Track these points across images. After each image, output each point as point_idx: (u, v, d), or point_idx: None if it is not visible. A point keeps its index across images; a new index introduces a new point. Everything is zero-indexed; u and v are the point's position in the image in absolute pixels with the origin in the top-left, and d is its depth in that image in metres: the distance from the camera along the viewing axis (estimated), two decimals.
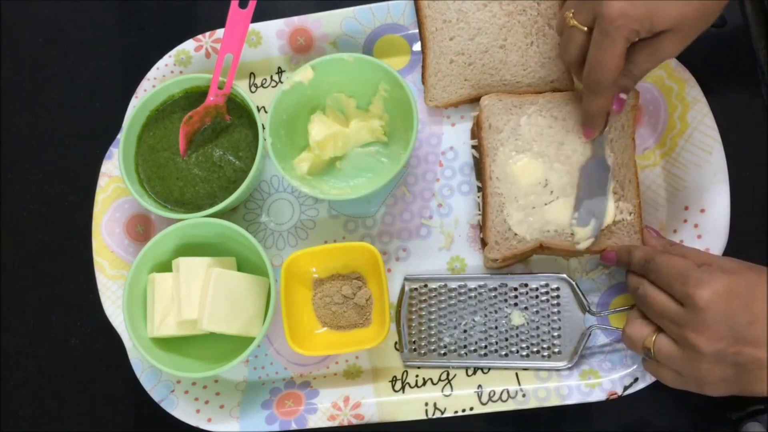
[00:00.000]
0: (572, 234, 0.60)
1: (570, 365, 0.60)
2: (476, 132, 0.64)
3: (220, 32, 0.68)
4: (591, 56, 0.52)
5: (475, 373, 0.61)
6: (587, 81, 0.54)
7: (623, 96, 0.56)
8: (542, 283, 0.62)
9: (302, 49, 0.69)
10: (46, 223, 0.72)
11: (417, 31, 0.67)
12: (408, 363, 0.62)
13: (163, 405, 0.62)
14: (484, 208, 0.62)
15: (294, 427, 0.61)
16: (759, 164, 0.63)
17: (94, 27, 0.75)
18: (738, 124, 0.63)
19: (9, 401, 0.68)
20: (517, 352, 0.61)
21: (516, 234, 0.60)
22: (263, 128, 0.62)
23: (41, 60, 0.75)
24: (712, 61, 0.65)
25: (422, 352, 0.62)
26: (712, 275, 0.49)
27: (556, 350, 0.60)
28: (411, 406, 0.61)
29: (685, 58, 0.62)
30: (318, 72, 0.64)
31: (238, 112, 0.66)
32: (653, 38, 0.51)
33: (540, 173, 0.61)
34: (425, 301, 0.63)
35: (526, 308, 0.61)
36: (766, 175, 0.63)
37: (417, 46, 0.68)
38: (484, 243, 0.62)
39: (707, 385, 0.50)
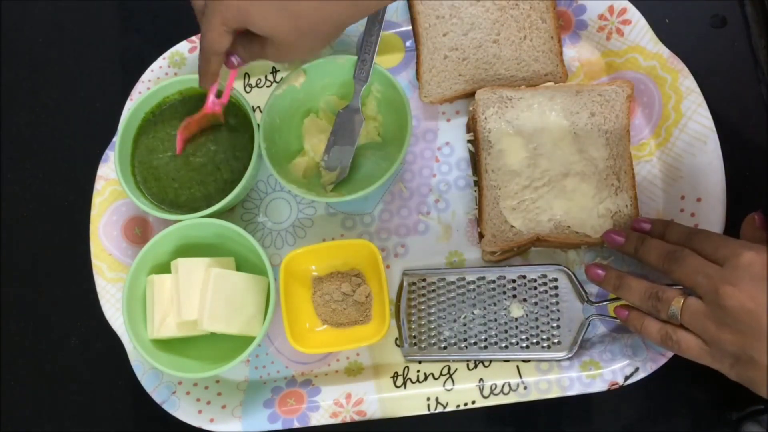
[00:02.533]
0: (321, 176, 0.62)
1: (570, 355, 0.58)
2: (471, 126, 0.62)
3: None
4: (201, 28, 0.53)
5: (476, 366, 0.60)
6: (200, 44, 0.54)
7: (236, 60, 0.56)
8: (540, 274, 0.60)
9: None
10: (46, 223, 0.70)
11: (410, 28, 0.65)
12: (408, 357, 0.60)
13: (165, 407, 0.61)
14: (480, 201, 0.61)
15: (296, 425, 0.59)
16: (759, 164, 0.62)
17: (94, 27, 0.73)
18: (738, 124, 0.62)
19: (9, 401, 0.67)
20: (517, 343, 0.59)
21: (512, 227, 0.60)
22: (259, 128, 0.61)
23: (41, 60, 0.73)
24: (712, 61, 0.64)
25: (422, 346, 0.60)
26: (761, 246, 0.48)
27: (556, 341, 0.59)
28: (413, 401, 0.59)
29: (685, 58, 0.61)
30: (310, 75, 0.62)
31: (234, 113, 0.64)
32: (258, 36, 0.52)
33: (533, 164, 0.60)
34: (424, 295, 0.61)
35: (524, 300, 0.60)
36: (766, 174, 0.61)
37: (411, 43, 0.66)
38: (481, 236, 0.61)
39: (726, 355, 0.49)
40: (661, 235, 0.55)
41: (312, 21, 0.50)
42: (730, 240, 0.50)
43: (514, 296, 0.60)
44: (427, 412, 0.59)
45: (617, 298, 0.59)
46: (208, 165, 0.64)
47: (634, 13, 0.62)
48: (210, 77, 0.57)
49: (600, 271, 0.56)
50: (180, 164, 0.64)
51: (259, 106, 0.67)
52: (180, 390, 0.61)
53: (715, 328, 0.48)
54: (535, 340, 0.59)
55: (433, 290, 0.61)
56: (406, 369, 0.61)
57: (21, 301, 0.69)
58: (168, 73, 0.67)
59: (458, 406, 0.59)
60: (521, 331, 0.60)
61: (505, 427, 0.61)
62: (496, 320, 0.60)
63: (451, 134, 0.65)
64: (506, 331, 0.60)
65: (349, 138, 0.62)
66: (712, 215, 0.58)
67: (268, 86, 0.68)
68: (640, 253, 0.55)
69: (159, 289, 0.59)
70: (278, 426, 0.59)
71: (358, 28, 0.65)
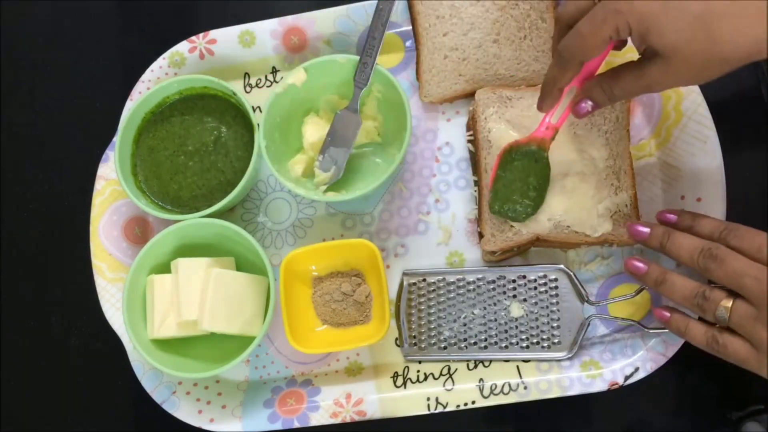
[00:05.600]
0: (314, 176, 0.62)
1: (570, 355, 0.58)
2: (471, 126, 0.62)
3: (213, 33, 0.66)
4: (578, 24, 0.47)
5: (476, 366, 0.60)
6: (560, 47, 0.49)
7: (587, 105, 0.51)
8: (540, 274, 0.60)
9: (296, 48, 0.67)
10: (46, 223, 0.69)
11: (410, 28, 0.65)
12: (408, 357, 0.60)
13: (165, 407, 0.60)
14: (480, 200, 0.60)
15: (296, 425, 0.59)
16: (759, 164, 0.62)
17: (94, 27, 0.73)
18: (738, 124, 0.61)
19: (9, 401, 0.66)
20: (517, 343, 0.59)
21: (512, 226, 0.59)
22: (259, 128, 0.61)
23: (41, 60, 0.73)
24: None
25: (422, 346, 0.60)
26: None
27: (556, 341, 0.59)
28: (413, 401, 0.59)
29: None
30: (311, 74, 0.62)
31: (233, 112, 0.64)
32: (644, 61, 0.47)
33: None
34: (424, 295, 0.61)
35: (524, 300, 0.60)
36: (766, 174, 0.61)
37: (411, 43, 0.66)
38: (481, 236, 0.60)
39: None
40: (689, 227, 0.53)
41: (730, 47, 0.42)
42: None
43: (514, 296, 0.60)
44: (427, 412, 0.59)
45: (616, 299, 0.59)
46: (209, 164, 0.64)
47: None
48: (556, 94, 0.51)
49: (641, 265, 0.53)
50: (181, 163, 0.64)
51: (259, 106, 0.67)
52: (180, 390, 0.61)
53: (765, 333, 0.47)
54: (535, 340, 0.59)
55: (433, 290, 0.61)
56: (406, 369, 0.61)
57: (21, 301, 0.68)
58: (168, 73, 0.67)
59: (458, 406, 0.58)
60: (521, 331, 0.60)
61: (505, 427, 0.61)
62: (496, 320, 0.60)
63: (451, 134, 0.65)
64: (506, 331, 0.60)
65: (345, 140, 0.62)
66: (712, 215, 0.57)
67: (268, 86, 0.68)
68: (668, 247, 0.52)
69: (159, 289, 0.59)
70: (278, 426, 0.59)
71: (357, 28, 0.65)
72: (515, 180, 0.58)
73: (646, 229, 0.54)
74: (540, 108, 0.54)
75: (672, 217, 0.54)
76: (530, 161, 0.57)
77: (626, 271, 0.55)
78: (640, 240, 0.55)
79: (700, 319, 0.51)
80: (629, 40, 0.48)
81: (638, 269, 0.53)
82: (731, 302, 0.48)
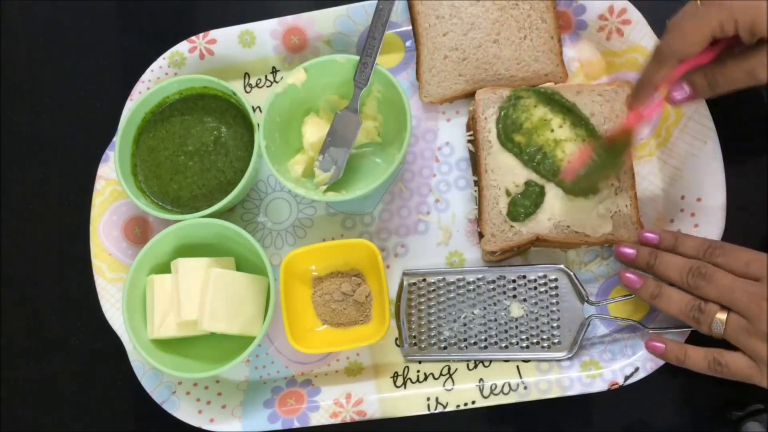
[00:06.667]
0: (314, 176, 0.62)
1: (570, 355, 0.58)
2: (471, 126, 0.62)
3: (213, 33, 0.66)
4: (679, 22, 0.47)
5: (476, 366, 0.60)
6: (660, 44, 0.49)
7: (685, 89, 0.50)
8: (540, 274, 0.60)
9: (296, 48, 0.67)
10: (46, 223, 0.69)
11: (410, 28, 0.65)
12: (409, 357, 0.60)
13: (165, 407, 0.60)
14: (480, 200, 0.60)
15: (296, 425, 0.59)
16: (759, 164, 0.61)
17: (94, 27, 0.73)
18: (737, 124, 0.61)
19: (9, 401, 0.66)
20: (517, 343, 0.59)
21: (512, 226, 0.59)
22: (259, 128, 0.61)
23: (41, 60, 0.73)
24: None
25: (422, 346, 0.60)
26: None
27: (556, 341, 0.59)
28: (413, 401, 0.59)
29: None
30: (311, 74, 0.62)
31: (233, 112, 0.64)
32: (753, 50, 0.46)
33: (534, 164, 0.60)
34: (424, 295, 0.61)
35: (524, 300, 0.60)
36: (766, 174, 0.61)
37: (411, 43, 0.66)
38: (481, 236, 0.60)
39: None
40: (672, 247, 0.54)
41: None
42: (760, 254, 0.49)
43: (514, 296, 0.60)
44: (427, 412, 0.59)
45: (616, 299, 0.59)
46: (209, 164, 0.64)
47: (634, 13, 0.62)
48: (650, 90, 0.50)
49: (636, 278, 0.54)
50: (181, 163, 0.64)
51: (259, 106, 0.67)
52: (180, 390, 0.61)
53: (763, 345, 0.48)
54: (535, 340, 0.59)
55: (433, 290, 0.61)
56: (406, 369, 0.61)
57: (21, 301, 0.68)
58: (168, 73, 0.67)
59: (458, 406, 0.58)
60: (521, 331, 0.60)
61: (505, 427, 0.61)
62: (496, 320, 0.60)
63: (451, 134, 0.65)
64: (506, 331, 0.60)
65: (345, 140, 0.62)
66: (712, 215, 0.58)
67: (268, 86, 0.68)
68: (656, 267, 0.53)
69: (159, 289, 0.59)
70: (278, 426, 0.59)
71: (357, 28, 0.65)
72: (599, 167, 0.56)
73: (632, 251, 0.55)
74: (631, 105, 0.53)
75: (653, 237, 0.55)
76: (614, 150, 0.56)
77: (621, 284, 0.56)
78: (627, 261, 0.56)
79: (692, 340, 0.52)
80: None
81: (633, 282, 0.55)
82: (726, 315, 0.50)
